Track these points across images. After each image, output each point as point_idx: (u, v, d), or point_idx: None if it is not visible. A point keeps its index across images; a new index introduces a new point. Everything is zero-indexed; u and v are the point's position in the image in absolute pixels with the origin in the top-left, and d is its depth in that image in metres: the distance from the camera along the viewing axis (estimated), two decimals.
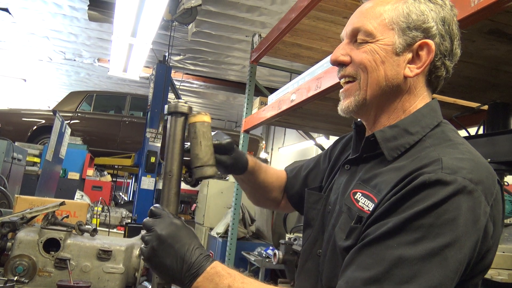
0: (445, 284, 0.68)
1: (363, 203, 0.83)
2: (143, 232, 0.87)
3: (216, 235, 5.00)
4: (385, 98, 0.89)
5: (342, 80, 0.95)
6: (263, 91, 4.49)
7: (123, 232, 3.76)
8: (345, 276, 0.74)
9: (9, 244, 1.45)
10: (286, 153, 10.84)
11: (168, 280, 0.86)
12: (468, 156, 0.77)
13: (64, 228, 1.49)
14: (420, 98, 0.90)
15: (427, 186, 0.71)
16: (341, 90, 0.96)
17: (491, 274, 1.40)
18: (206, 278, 0.79)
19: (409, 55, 0.87)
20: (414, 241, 0.69)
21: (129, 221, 5.21)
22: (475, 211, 0.71)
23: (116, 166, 8.39)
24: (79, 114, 7.79)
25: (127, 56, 6.27)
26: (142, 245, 0.85)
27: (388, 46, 0.87)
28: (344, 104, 0.94)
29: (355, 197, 0.86)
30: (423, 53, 0.86)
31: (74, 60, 8.78)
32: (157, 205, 0.89)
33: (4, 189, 2.44)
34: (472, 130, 2.58)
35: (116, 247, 1.48)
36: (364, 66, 0.88)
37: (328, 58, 2.49)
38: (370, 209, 0.81)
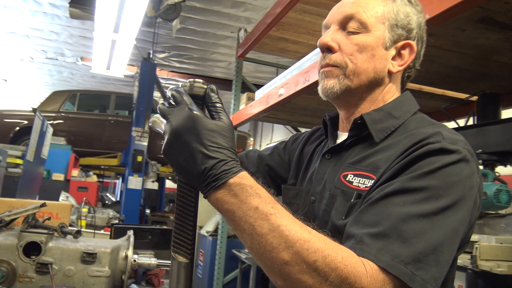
0: (448, 242, 0.70)
1: (358, 182, 0.84)
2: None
3: (206, 234, 4.94)
4: (370, 88, 0.91)
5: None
6: (250, 87, 4.44)
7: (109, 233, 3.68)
8: (352, 234, 0.73)
9: None
10: None
11: (188, 182, 0.72)
12: (457, 134, 0.82)
13: (45, 231, 1.42)
14: (397, 93, 0.95)
15: (432, 153, 0.74)
16: (321, 70, 0.93)
17: (490, 266, 1.37)
18: (228, 192, 0.67)
19: (393, 52, 0.90)
20: (420, 200, 0.70)
21: (117, 221, 5.12)
22: (471, 179, 0.75)
23: (102, 166, 8.26)
24: (62, 114, 7.64)
25: (110, 53, 6.16)
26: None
27: (379, 39, 0.88)
28: (328, 84, 0.90)
29: (347, 179, 0.86)
30: (405, 53, 0.91)
31: (56, 59, 8.61)
32: (178, 88, 0.72)
33: None
34: (461, 122, 2.57)
35: (101, 249, 1.42)
36: (355, 58, 0.88)
37: (316, 51, 2.45)
38: (369, 186, 0.81)
